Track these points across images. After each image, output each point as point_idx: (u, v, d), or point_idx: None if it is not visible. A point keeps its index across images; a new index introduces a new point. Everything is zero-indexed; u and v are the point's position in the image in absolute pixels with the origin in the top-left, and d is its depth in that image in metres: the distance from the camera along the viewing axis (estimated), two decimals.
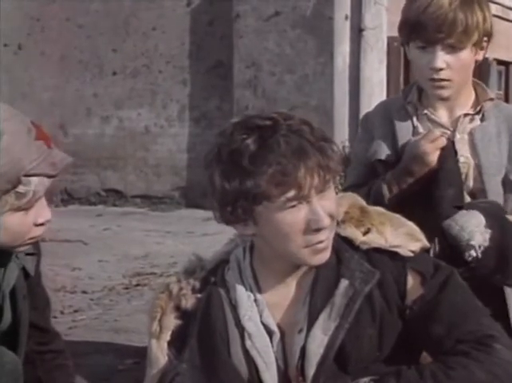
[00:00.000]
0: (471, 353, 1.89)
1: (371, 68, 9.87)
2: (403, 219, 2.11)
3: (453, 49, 2.51)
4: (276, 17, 10.08)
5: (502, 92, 13.34)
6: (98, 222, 9.38)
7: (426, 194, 2.51)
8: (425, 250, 2.09)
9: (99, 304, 5.58)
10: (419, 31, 2.52)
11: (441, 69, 2.52)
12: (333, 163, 1.89)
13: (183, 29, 10.82)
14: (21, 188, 2.04)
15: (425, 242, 2.09)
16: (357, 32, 9.76)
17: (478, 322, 1.96)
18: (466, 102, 2.64)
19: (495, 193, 2.58)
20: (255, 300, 2.01)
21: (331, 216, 1.92)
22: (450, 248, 2.41)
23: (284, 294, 2.02)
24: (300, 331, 1.97)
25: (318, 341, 1.95)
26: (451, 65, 2.53)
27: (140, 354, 4.18)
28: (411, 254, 2.02)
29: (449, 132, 2.60)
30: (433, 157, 2.49)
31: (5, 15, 11.21)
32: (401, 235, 2.05)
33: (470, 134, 2.60)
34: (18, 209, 2.07)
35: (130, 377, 3.89)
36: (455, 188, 2.51)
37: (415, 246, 2.04)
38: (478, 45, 2.55)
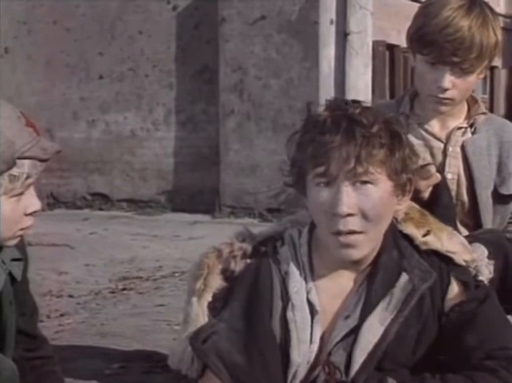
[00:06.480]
0: (499, 371, 1.89)
1: (356, 72, 9.90)
2: (456, 232, 2.14)
3: (462, 71, 2.52)
4: (261, 22, 10.10)
5: (487, 97, 13.40)
6: (84, 226, 9.36)
7: None
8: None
9: (85, 308, 5.57)
10: (432, 49, 2.50)
11: (447, 89, 2.53)
12: (375, 160, 1.89)
13: (169, 33, 10.83)
14: (14, 171, 2.06)
15: (474, 257, 2.10)
16: (342, 36, 9.79)
17: (511, 341, 1.96)
18: (459, 114, 2.67)
19: (486, 206, 2.60)
20: (305, 278, 2.00)
21: (362, 213, 1.91)
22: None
23: (335, 281, 2.01)
24: (346, 317, 1.96)
25: (374, 329, 1.94)
26: (457, 85, 2.54)
27: (127, 358, 4.20)
28: (464, 263, 2.04)
29: (442, 145, 2.63)
30: (426, 194, 2.43)
31: None
32: (457, 244, 2.08)
33: (462, 147, 2.62)
34: (11, 194, 2.09)
35: (117, 381, 3.89)
36: (452, 224, 2.43)
37: (469, 257, 2.06)
38: (485, 68, 2.58)
